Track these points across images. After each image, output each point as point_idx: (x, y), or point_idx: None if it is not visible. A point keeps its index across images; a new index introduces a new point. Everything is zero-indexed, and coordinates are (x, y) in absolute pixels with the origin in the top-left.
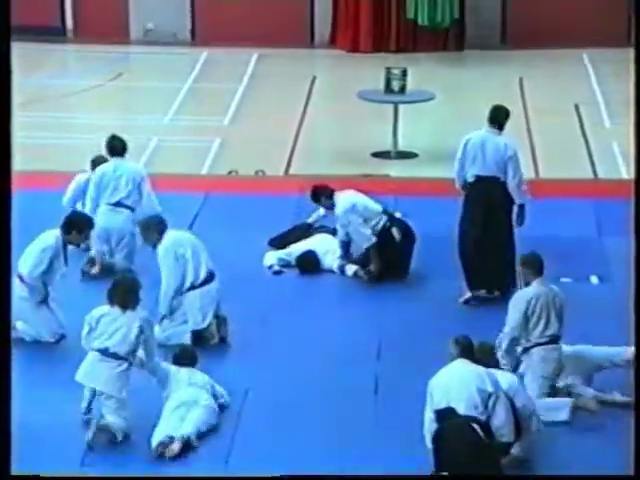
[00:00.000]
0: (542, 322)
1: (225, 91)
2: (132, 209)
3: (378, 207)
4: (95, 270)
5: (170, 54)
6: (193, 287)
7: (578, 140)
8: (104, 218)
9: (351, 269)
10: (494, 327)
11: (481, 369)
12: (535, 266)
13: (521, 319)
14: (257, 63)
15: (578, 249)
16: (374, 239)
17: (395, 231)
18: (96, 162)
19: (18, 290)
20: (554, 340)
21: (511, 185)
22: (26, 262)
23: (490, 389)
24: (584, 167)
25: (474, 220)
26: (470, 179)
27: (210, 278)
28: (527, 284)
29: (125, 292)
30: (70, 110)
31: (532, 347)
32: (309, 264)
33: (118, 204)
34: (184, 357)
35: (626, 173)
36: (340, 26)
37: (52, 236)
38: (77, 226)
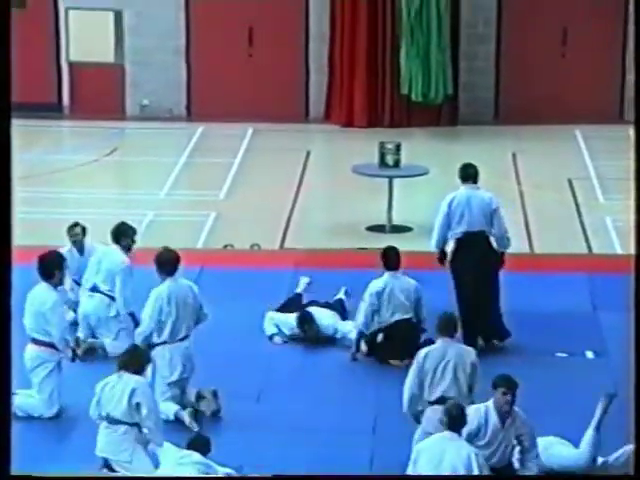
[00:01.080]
0: (427, 382)
1: (221, 166)
2: (109, 296)
3: (402, 312)
4: (79, 351)
5: (166, 129)
6: (164, 342)
7: (572, 215)
8: (82, 303)
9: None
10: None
11: (472, 452)
12: (439, 325)
13: (415, 377)
14: (252, 138)
15: (573, 324)
16: (363, 329)
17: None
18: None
19: (36, 355)
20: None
21: (497, 235)
22: (49, 328)
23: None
24: (578, 242)
25: (469, 277)
26: (457, 236)
27: (184, 338)
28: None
29: (128, 357)
30: (66, 185)
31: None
32: (307, 321)
33: (94, 289)
34: (197, 443)
35: (620, 248)
36: (334, 101)
37: (46, 291)
38: (54, 267)
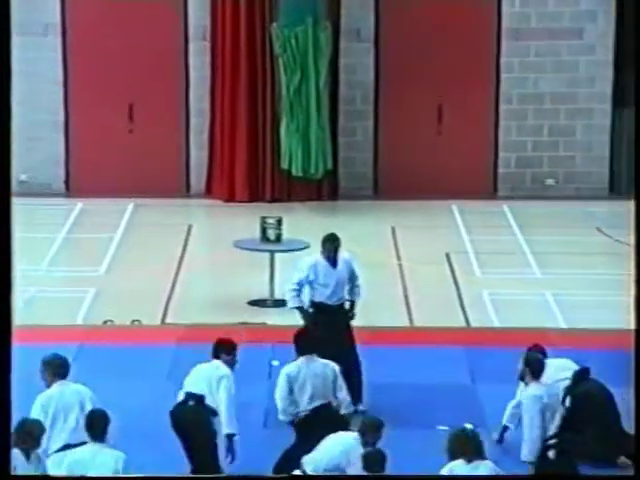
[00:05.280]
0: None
1: (100, 241)
2: None
3: None
4: None
5: (44, 205)
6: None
7: (450, 288)
8: None
9: None
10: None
11: None
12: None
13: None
14: (133, 213)
15: (452, 396)
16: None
17: None
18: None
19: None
20: None
21: None
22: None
23: None
24: (456, 315)
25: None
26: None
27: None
28: None
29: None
30: None
31: None
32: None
33: None
34: None
35: (497, 321)
36: (216, 176)
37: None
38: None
